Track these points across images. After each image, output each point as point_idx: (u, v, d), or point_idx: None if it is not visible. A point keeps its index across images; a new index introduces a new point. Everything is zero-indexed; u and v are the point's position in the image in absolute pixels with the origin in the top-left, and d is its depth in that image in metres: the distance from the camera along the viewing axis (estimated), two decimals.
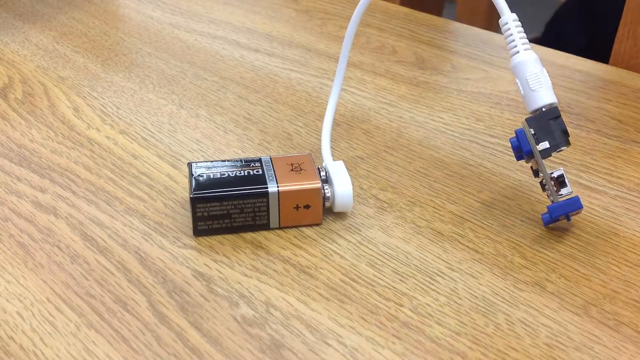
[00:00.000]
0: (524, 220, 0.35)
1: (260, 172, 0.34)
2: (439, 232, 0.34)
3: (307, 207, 0.34)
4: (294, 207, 0.34)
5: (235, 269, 0.32)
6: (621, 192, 0.37)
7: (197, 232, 0.34)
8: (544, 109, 0.33)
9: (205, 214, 0.33)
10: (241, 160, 0.35)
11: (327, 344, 0.28)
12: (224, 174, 0.34)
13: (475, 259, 0.32)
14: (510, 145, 0.35)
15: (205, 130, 0.43)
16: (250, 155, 0.40)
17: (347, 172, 0.35)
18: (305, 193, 0.34)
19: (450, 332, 0.29)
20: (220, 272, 0.32)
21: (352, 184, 0.37)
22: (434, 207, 0.36)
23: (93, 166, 0.39)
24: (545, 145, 0.32)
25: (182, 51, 0.54)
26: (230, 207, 0.33)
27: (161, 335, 0.28)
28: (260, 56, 0.53)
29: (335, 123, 0.44)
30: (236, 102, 0.47)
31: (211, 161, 0.35)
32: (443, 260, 0.32)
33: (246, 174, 0.34)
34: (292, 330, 0.29)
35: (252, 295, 0.30)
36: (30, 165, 0.40)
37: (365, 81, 0.49)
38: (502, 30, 0.34)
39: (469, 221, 0.35)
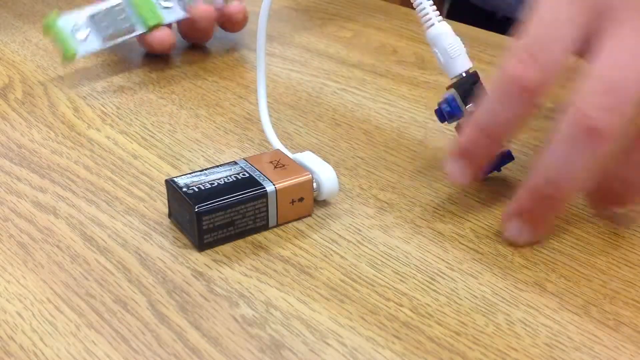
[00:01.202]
0: None
1: (247, 174, 0.34)
2: (439, 232, 0.34)
3: (301, 199, 0.34)
4: (290, 202, 0.34)
5: (235, 269, 0.32)
6: None
7: (203, 246, 0.33)
8: (464, 74, 0.35)
9: (211, 225, 0.32)
10: (217, 167, 0.34)
11: (327, 344, 0.28)
12: (213, 183, 0.33)
13: (475, 259, 0.32)
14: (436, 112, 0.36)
15: (205, 130, 0.43)
16: (250, 155, 0.40)
17: (321, 159, 0.36)
18: (299, 186, 0.34)
19: (450, 332, 0.29)
20: (220, 272, 0.32)
21: (352, 184, 0.37)
22: (434, 207, 0.36)
23: (93, 166, 0.39)
24: (472, 107, 0.35)
25: (182, 51, 0.54)
26: (233, 214, 0.33)
27: (161, 335, 0.28)
28: None
29: (336, 123, 0.44)
30: (236, 102, 0.47)
31: (189, 173, 0.34)
32: (443, 260, 0.32)
33: (234, 179, 0.34)
34: (292, 330, 0.29)
35: (252, 295, 0.30)
36: (30, 165, 0.40)
37: (365, 81, 0.49)
38: (414, 5, 0.36)
39: (469, 221, 0.35)
